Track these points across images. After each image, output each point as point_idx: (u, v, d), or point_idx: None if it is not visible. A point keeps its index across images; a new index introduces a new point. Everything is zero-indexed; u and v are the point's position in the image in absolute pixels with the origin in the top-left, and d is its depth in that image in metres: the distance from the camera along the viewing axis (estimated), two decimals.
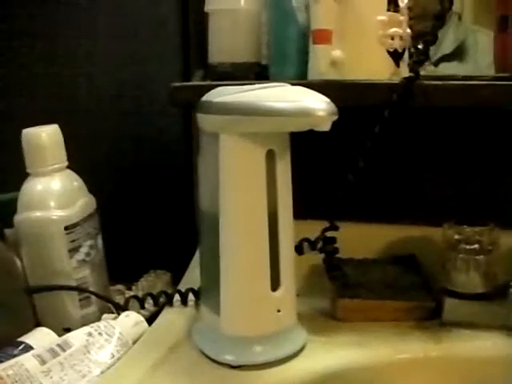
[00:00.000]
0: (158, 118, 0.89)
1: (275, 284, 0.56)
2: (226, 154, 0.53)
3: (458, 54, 0.76)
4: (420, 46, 0.59)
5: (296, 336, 0.59)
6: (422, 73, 0.62)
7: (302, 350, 0.58)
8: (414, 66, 0.60)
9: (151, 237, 0.89)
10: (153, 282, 0.80)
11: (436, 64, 0.76)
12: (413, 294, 0.65)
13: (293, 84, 0.54)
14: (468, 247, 0.62)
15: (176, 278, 0.77)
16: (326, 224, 0.66)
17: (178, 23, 0.86)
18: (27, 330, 0.63)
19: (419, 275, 0.69)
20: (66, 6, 0.91)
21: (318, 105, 0.49)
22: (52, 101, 0.92)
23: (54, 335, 0.62)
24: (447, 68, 0.76)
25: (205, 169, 0.57)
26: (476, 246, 0.62)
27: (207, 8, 0.73)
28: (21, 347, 0.59)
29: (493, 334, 0.61)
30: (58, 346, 0.58)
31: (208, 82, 0.68)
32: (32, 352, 0.57)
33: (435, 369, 0.59)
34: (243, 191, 0.53)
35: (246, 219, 0.54)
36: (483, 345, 0.60)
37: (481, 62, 0.76)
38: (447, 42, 0.76)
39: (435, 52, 0.74)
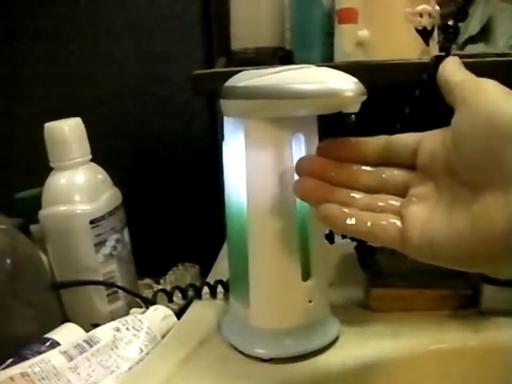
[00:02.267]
0: (183, 109, 0.89)
1: (306, 274, 0.54)
2: (252, 140, 0.51)
3: (483, 35, 0.74)
4: (450, 23, 0.57)
5: (328, 327, 0.57)
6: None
7: (335, 341, 0.57)
8: (445, 44, 0.58)
9: (178, 229, 0.89)
10: (181, 275, 0.80)
11: (462, 47, 0.74)
12: (449, 281, 0.63)
13: (319, 66, 0.52)
14: None
15: (204, 271, 0.77)
16: None
17: (199, 12, 0.85)
18: (54, 326, 0.62)
19: None
20: (66, 6, 0.90)
21: (345, 85, 0.47)
22: (52, 100, 0.92)
23: (81, 331, 0.61)
24: (473, 50, 0.74)
25: (229, 156, 0.56)
26: None
27: None
28: (48, 343, 0.58)
29: None
30: (85, 341, 0.57)
31: (230, 68, 0.66)
32: (59, 348, 0.56)
33: (473, 359, 0.57)
34: (270, 178, 0.52)
35: (274, 208, 0.52)
36: None
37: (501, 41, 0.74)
38: (474, 22, 0.74)
39: (462, 33, 0.72)
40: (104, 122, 0.90)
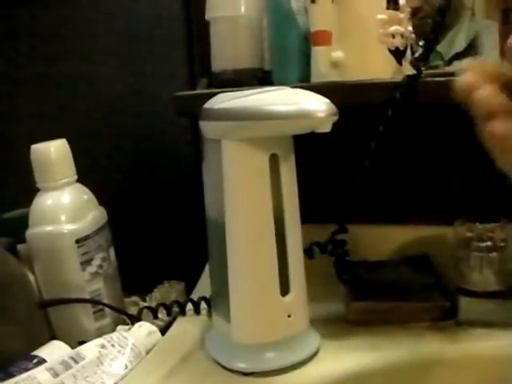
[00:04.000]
0: (168, 127, 0.89)
1: (285, 289, 0.55)
2: (229, 160, 0.53)
3: (470, 51, 0.75)
4: (421, 43, 0.59)
5: (309, 341, 0.58)
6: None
7: (315, 354, 0.58)
8: (416, 63, 0.59)
9: (164, 247, 0.89)
10: (167, 292, 0.80)
11: (449, 63, 0.75)
12: (427, 294, 0.65)
13: (293, 87, 0.54)
14: (480, 244, 0.61)
15: (190, 288, 0.77)
16: (336, 227, 0.65)
17: (181, 33, 0.86)
18: (42, 344, 0.63)
19: (433, 275, 0.68)
20: (66, 6, 0.92)
21: (317, 106, 0.49)
22: (52, 101, 0.93)
23: (67, 348, 0.62)
24: (460, 67, 0.75)
25: (209, 177, 0.57)
26: (488, 243, 0.61)
27: (208, 16, 0.73)
28: (34, 361, 0.59)
29: (509, 332, 0.59)
30: (71, 358, 0.58)
31: (210, 90, 0.68)
32: (45, 365, 0.57)
33: (452, 369, 0.58)
34: (248, 197, 0.53)
35: (252, 225, 0.53)
36: (500, 343, 0.59)
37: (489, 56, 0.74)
38: (460, 39, 0.75)
39: (448, 50, 0.73)
40: (92, 137, 0.91)
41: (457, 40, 0.74)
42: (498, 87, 0.42)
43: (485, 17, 0.75)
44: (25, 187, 0.81)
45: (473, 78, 0.43)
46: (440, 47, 0.72)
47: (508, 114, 0.42)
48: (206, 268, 0.76)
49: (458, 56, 0.74)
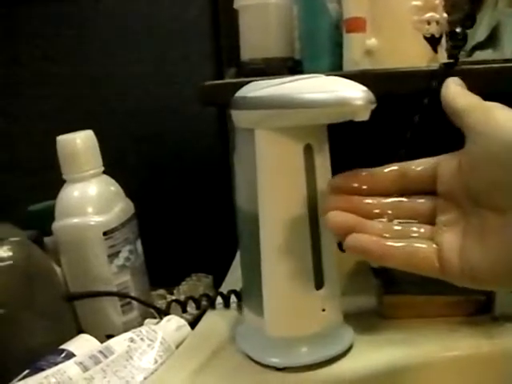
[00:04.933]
0: (194, 120, 0.89)
1: (319, 282, 0.54)
2: (263, 151, 0.52)
3: (491, 41, 0.74)
4: (458, 30, 0.57)
5: (342, 335, 0.57)
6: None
7: (349, 349, 0.57)
8: (453, 51, 0.58)
9: (191, 240, 0.89)
10: (194, 285, 0.80)
11: (470, 53, 0.73)
12: (462, 287, 0.63)
13: (328, 75, 0.53)
14: None
15: (217, 281, 0.77)
16: None
17: (208, 23, 0.86)
18: (69, 337, 0.63)
19: None
20: (66, 5, 0.91)
21: (355, 94, 0.47)
22: (53, 100, 0.93)
23: (95, 342, 0.61)
24: (481, 56, 0.74)
25: (241, 167, 0.56)
26: None
27: (237, 4, 0.72)
28: (63, 355, 0.59)
29: None
30: (100, 352, 0.57)
31: (240, 79, 0.66)
32: (74, 359, 0.56)
33: (487, 365, 0.57)
34: (282, 188, 0.52)
35: (286, 216, 0.52)
36: None
37: (508, 47, 0.73)
38: (481, 29, 0.74)
39: (470, 40, 0.72)
40: (115, 131, 0.90)
41: (478, 29, 0.73)
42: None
43: (508, 5, 0.74)
44: (25, 186, 0.81)
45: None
46: None
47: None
48: (234, 261, 0.76)
49: (479, 46, 0.73)
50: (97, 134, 0.71)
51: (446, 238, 0.44)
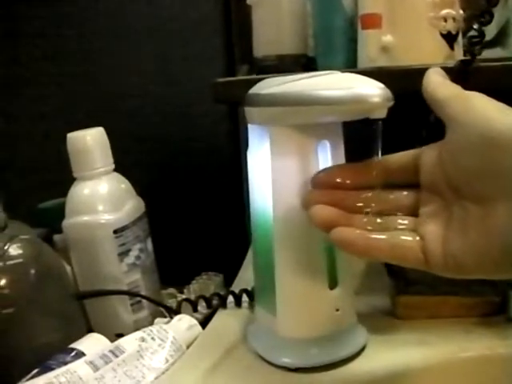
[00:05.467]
0: (205, 117, 0.89)
1: (332, 283, 0.54)
2: (277, 148, 0.51)
3: (500, 39, 0.73)
4: (475, 26, 0.56)
5: (356, 336, 0.57)
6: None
7: (362, 350, 0.56)
8: (470, 48, 0.57)
9: (202, 239, 0.89)
10: (205, 284, 0.80)
11: (480, 50, 0.73)
12: (476, 288, 0.62)
13: (343, 72, 0.52)
14: None
15: (228, 280, 0.76)
16: None
17: (220, 20, 0.85)
18: (79, 336, 0.62)
19: None
20: (66, 5, 0.91)
21: (372, 91, 0.46)
22: (53, 100, 0.93)
23: (106, 341, 0.61)
24: (490, 55, 0.72)
25: (255, 165, 0.55)
26: None
27: (250, 0, 0.71)
28: (73, 354, 0.58)
29: None
30: (111, 351, 0.56)
31: (252, 76, 0.66)
32: (84, 358, 0.56)
33: (502, 366, 0.56)
34: (296, 186, 0.51)
35: (300, 215, 0.51)
36: None
37: None
38: (491, 26, 0.73)
39: None
40: (122, 130, 0.90)
41: (488, 27, 0.72)
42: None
43: None
44: (25, 186, 0.81)
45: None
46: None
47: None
48: (246, 260, 0.75)
49: (488, 44, 0.72)
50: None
51: (429, 229, 0.44)
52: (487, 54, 0.70)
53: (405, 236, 0.45)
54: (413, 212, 0.47)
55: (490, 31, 0.72)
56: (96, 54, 0.92)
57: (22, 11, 0.92)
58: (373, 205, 0.47)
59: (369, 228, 0.45)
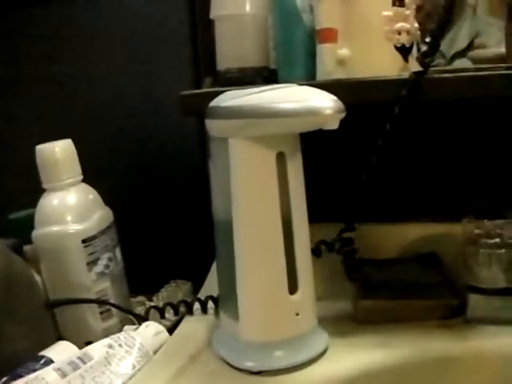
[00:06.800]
0: (174, 128, 0.89)
1: (293, 288, 0.55)
2: (236, 159, 0.53)
3: (471, 48, 0.75)
4: (428, 40, 0.58)
5: (317, 339, 0.58)
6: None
7: (323, 353, 0.58)
8: (423, 60, 0.59)
9: (171, 247, 0.89)
10: (173, 291, 0.80)
11: (450, 61, 0.75)
12: (435, 292, 0.64)
13: (300, 85, 0.54)
14: (489, 241, 0.60)
15: (197, 288, 0.77)
16: (343, 226, 0.65)
17: (186, 32, 0.86)
18: (49, 344, 0.63)
19: (441, 273, 0.68)
20: (66, 6, 0.92)
21: (324, 103, 0.48)
22: (52, 101, 0.93)
23: (74, 348, 0.62)
24: (462, 64, 0.75)
25: (216, 176, 0.57)
26: (497, 239, 0.60)
27: (212, 15, 0.72)
28: (42, 361, 0.59)
29: None
30: (79, 358, 0.57)
31: (216, 88, 0.67)
32: (53, 365, 0.57)
33: (461, 367, 0.58)
34: (255, 195, 0.53)
35: (260, 223, 0.53)
36: (509, 341, 0.58)
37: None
38: (462, 37, 0.75)
39: (449, 48, 0.73)
40: (97, 137, 0.91)
41: (458, 38, 0.74)
42: None
43: (487, 14, 0.75)
44: (24, 188, 0.81)
45: None
46: (442, 46, 0.71)
47: None
48: (213, 268, 0.76)
49: (460, 54, 0.74)
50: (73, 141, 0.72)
51: None
52: (458, 63, 0.72)
53: None
54: None
55: (461, 41, 0.74)
56: (96, 54, 0.92)
57: (22, 11, 0.92)
58: None
59: None
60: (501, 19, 0.71)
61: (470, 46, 0.74)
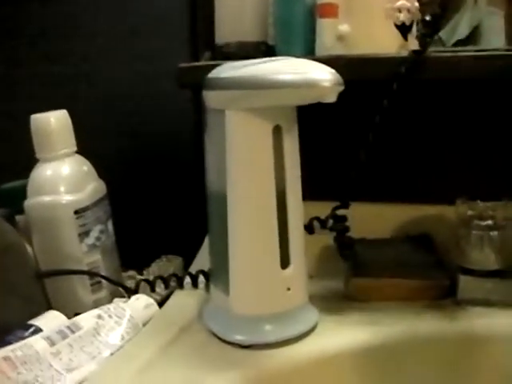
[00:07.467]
0: (169, 103, 0.89)
1: (285, 262, 0.55)
2: (232, 131, 0.52)
3: (472, 38, 0.75)
4: (428, 18, 0.58)
5: (307, 315, 0.58)
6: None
7: (313, 329, 0.58)
8: (422, 39, 0.59)
9: (162, 222, 0.89)
10: (164, 266, 0.80)
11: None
12: (427, 272, 0.64)
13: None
14: (481, 223, 0.61)
15: (188, 263, 0.77)
16: (337, 204, 0.65)
17: (186, 7, 0.86)
18: (39, 314, 0.63)
19: (433, 254, 0.68)
20: (66, 5, 0.91)
21: (323, 75, 0.48)
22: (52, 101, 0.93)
23: (63, 318, 0.62)
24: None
25: (211, 148, 0.57)
26: (489, 221, 0.60)
27: None
28: (31, 330, 0.59)
29: (509, 311, 0.59)
30: (68, 327, 0.57)
31: (214, 62, 0.67)
32: (41, 334, 0.57)
33: (450, 348, 0.58)
34: (250, 168, 0.53)
35: (254, 196, 0.53)
36: (498, 322, 0.59)
37: (494, 44, 0.74)
38: (462, 26, 0.75)
39: (450, 38, 0.73)
40: (95, 118, 0.90)
41: (459, 27, 0.73)
42: None
43: (488, 4, 0.75)
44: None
45: None
46: (442, 34, 0.71)
47: None
48: (204, 243, 0.76)
49: (460, 43, 0.74)
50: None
51: None
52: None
53: None
54: None
55: (463, 31, 0.74)
56: (96, 54, 0.92)
57: (22, 11, 0.92)
58: None
59: None
60: (501, 9, 0.71)
61: (471, 36, 0.74)
